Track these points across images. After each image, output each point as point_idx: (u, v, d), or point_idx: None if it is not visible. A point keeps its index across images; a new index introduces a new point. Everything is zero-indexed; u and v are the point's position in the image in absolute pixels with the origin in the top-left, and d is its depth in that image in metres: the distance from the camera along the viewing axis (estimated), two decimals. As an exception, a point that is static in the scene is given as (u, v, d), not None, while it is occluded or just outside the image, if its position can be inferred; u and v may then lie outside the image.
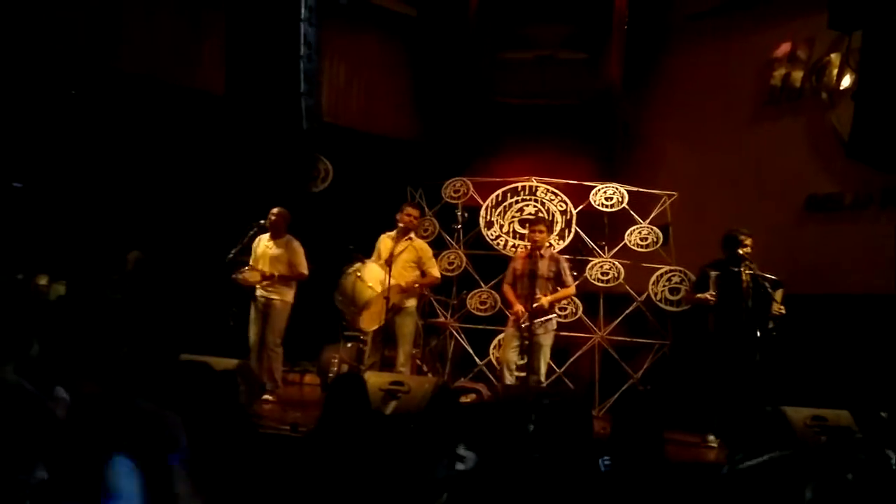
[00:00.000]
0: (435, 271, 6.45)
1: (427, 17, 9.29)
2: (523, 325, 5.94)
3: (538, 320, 5.99)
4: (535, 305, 5.94)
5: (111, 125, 7.52)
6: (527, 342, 5.96)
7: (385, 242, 6.40)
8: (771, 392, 5.44)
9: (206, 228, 7.63)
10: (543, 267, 6.10)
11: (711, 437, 5.78)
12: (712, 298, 5.80)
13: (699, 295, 5.91)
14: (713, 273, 5.85)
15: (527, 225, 6.88)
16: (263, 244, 6.60)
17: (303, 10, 7.41)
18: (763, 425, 3.91)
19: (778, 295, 5.73)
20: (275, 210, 6.57)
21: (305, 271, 6.55)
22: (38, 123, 7.15)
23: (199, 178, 7.92)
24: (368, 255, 6.43)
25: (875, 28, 5.19)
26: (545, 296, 6.02)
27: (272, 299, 6.48)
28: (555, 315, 6.28)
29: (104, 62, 7.31)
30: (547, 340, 6.12)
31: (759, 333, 5.63)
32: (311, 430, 3.83)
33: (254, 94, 7.57)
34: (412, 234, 6.41)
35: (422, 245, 6.49)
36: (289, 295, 6.54)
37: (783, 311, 5.73)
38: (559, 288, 6.17)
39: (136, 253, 7.28)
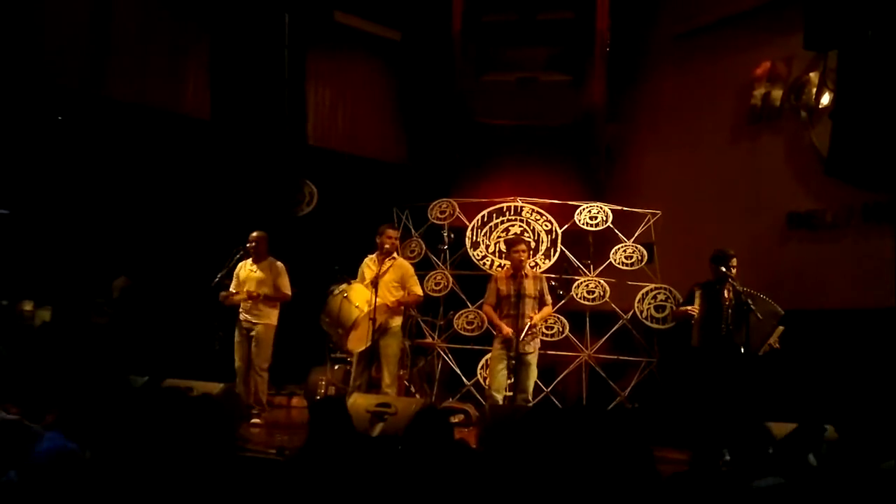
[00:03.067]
0: (417, 289, 6.49)
1: (411, 40, 9.36)
2: (518, 344, 5.96)
3: (528, 338, 6.04)
4: (528, 325, 5.99)
5: (97, 151, 7.54)
6: (513, 361, 5.99)
7: (369, 265, 6.43)
8: (755, 407, 5.46)
9: (192, 253, 7.63)
10: (530, 287, 6.16)
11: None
12: (694, 312, 5.87)
13: (682, 308, 6.01)
14: (698, 290, 5.94)
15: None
16: (247, 269, 6.62)
17: (287, 36, 7.49)
18: (747, 440, 3.93)
19: (777, 332, 5.79)
20: (253, 235, 6.61)
21: (289, 293, 6.60)
22: (25, 150, 7.16)
23: (185, 202, 7.94)
24: (354, 277, 6.45)
25: (850, 47, 5.26)
26: (533, 315, 6.08)
27: (256, 324, 6.49)
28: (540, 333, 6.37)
29: (90, 88, 7.34)
30: (534, 359, 6.18)
31: (742, 350, 5.68)
32: (294, 454, 3.82)
33: (240, 119, 7.63)
34: (395, 254, 6.45)
35: (404, 263, 6.54)
36: (273, 318, 6.57)
37: (777, 346, 5.81)
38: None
39: (122, 279, 7.28)
